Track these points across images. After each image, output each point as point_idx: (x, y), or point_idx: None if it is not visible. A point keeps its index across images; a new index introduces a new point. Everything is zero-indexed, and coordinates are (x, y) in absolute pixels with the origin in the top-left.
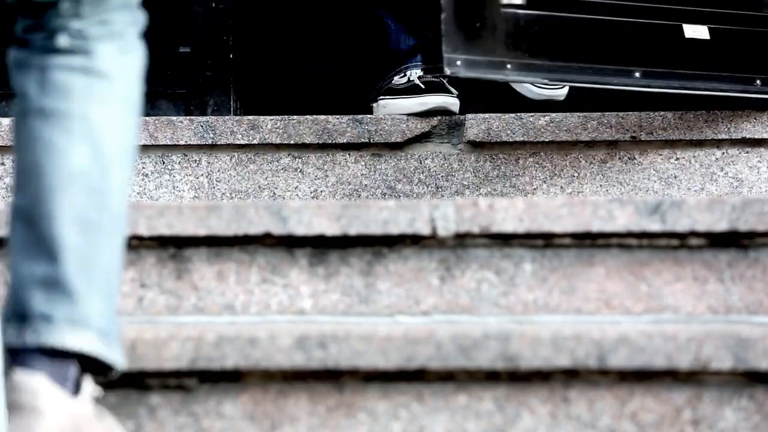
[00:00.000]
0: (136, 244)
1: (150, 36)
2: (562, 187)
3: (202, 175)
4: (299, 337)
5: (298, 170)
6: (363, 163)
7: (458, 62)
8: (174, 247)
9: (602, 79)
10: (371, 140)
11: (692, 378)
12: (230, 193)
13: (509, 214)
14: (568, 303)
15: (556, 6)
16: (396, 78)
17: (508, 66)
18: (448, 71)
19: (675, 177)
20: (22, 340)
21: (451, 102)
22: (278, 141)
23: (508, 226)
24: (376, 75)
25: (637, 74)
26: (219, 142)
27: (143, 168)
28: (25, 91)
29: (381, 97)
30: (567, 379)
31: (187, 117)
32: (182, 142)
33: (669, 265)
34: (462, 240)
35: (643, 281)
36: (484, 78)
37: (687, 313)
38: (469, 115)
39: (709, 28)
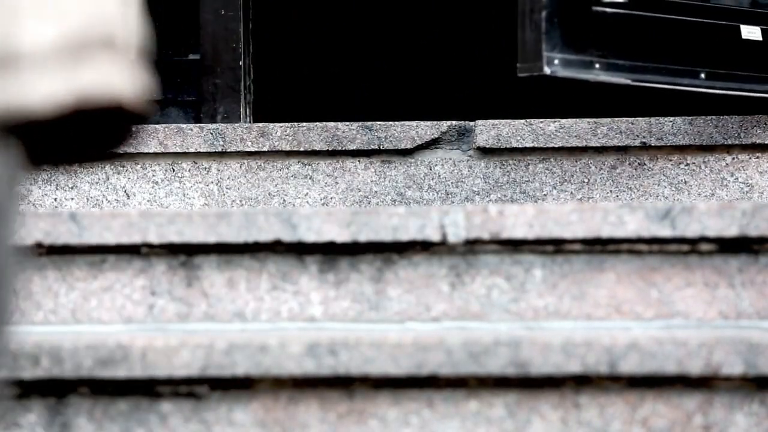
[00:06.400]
0: (147, 251)
1: (159, 43)
2: (572, 192)
3: (212, 182)
4: (310, 344)
5: (308, 177)
6: (373, 170)
7: (556, 61)
8: (184, 254)
9: (674, 80)
10: (381, 147)
11: (703, 383)
12: (240, 201)
13: (519, 220)
14: (578, 309)
15: (641, 5)
16: None
17: (596, 66)
18: (547, 70)
19: (685, 182)
20: None
21: None
22: (288, 148)
23: (518, 232)
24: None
25: (703, 75)
26: (229, 150)
27: (153, 176)
28: None
29: None
30: (578, 385)
31: (197, 124)
32: (192, 150)
33: (679, 271)
34: (472, 246)
35: (654, 287)
36: (577, 78)
37: (697, 318)
38: (479, 122)
39: (762, 30)
